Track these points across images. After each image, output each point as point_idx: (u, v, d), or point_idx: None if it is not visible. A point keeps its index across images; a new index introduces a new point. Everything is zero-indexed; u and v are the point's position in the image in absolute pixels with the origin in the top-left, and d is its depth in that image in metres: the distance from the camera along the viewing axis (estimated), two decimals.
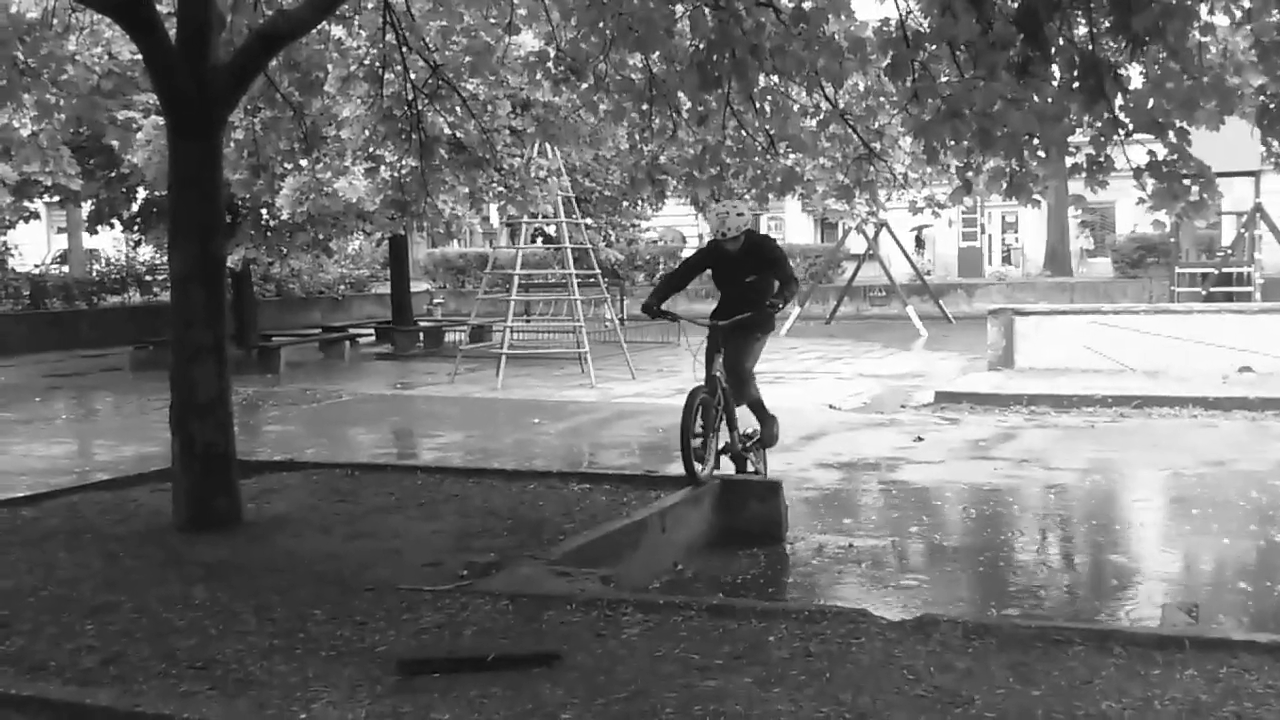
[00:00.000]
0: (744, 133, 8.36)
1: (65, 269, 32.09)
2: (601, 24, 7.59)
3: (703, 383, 7.96)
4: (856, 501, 9.22)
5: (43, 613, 5.19)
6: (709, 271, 8.41)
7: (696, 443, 7.73)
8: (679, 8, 7.61)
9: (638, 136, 9.11)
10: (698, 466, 7.71)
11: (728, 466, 8.22)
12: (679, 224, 41.04)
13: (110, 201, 20.53)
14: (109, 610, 5.21)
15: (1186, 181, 6.00)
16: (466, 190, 14.02)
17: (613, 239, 34.91)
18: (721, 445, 8.12)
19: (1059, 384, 14.56)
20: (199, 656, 4.57)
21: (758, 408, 8.44)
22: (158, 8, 7.02)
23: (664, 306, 8.25)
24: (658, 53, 7.77)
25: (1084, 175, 6.31)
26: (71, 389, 18.83)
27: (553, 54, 8.22)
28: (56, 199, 22.60)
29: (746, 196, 10.23)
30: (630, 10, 7.37)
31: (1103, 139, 6.18)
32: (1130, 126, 6.04)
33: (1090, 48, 6.05)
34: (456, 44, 9.41)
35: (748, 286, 8.09)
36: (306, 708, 4.04)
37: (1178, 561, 7.51)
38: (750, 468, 8.43)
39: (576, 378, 17.77)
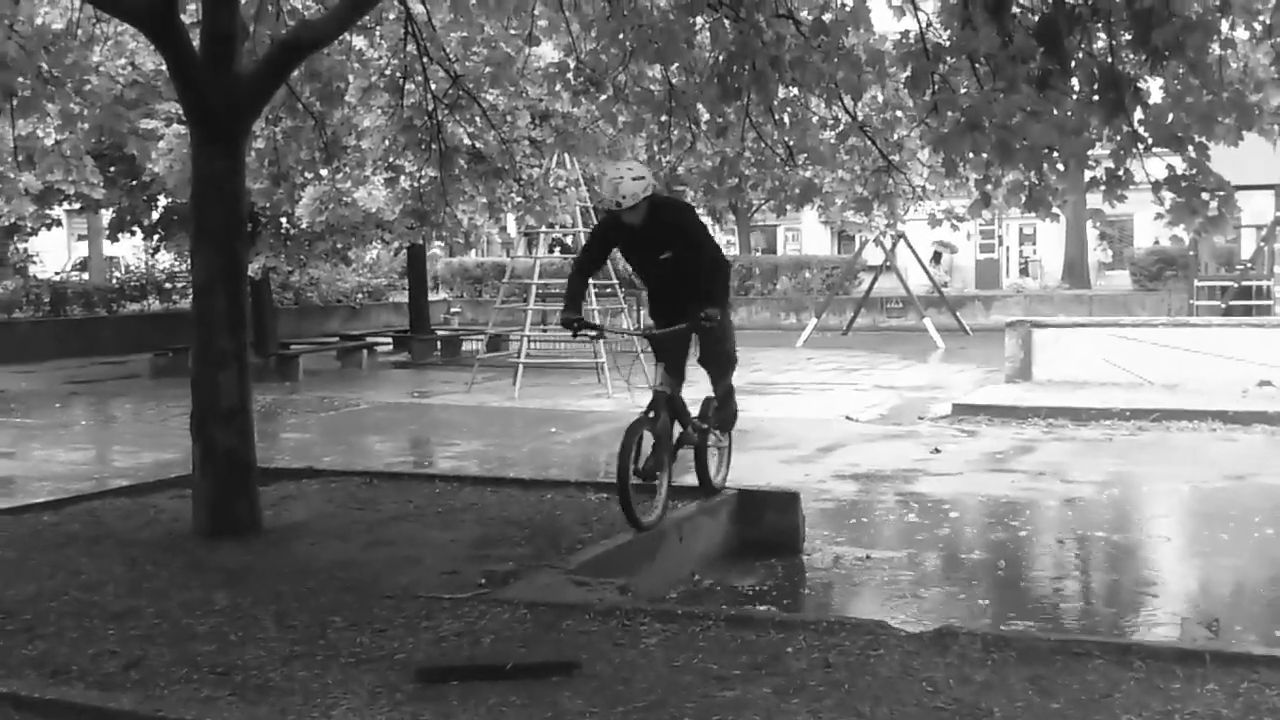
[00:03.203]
0: (763, 144, 8.38)
1: (85, 276, 32.26)
2: (621, 35, 7.64)
3: (647, 406, 6.78)
4: (874, 513, 9.21)
5: (65, 617, 5.23)
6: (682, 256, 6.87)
7: (640, 482, 6.58)
8: (699, 20, 7.65)
9: (656, 148, 9.14)
10: (641, 513, 6.55)
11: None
12: None
13: (131, 209, 20.71)
14: (130, 615, 5.24)
15: (1205, 196, 6.00)
16: (485, 200, 14.10)
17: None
18: (677, 436, 7.11)
19: (1077, 397, 14.52)
20: (220, 662, 4.60)
21: (728, 394, 7.49)
22: (182, 18, 7.08)
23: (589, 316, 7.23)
24: (677, 64, 7.81)
25: (1103, 189, 6.31)
26: (91, 395, 18.93)
27: (572, 65, 8.27)
28: (77, 206, 22.77)
29: (758, 203, 10.02)
30: (650, 22, 7.42)
31: (1122, 153, 6.19)
32: (1150, 141, 6.05)
33: (1110, 61, 6.06)
34: (477, 55, 9.48)
35: (667, 266, 6.85)
36: (327, 714, 4.06)
37: (1197, 575, 7.49)
38: (718, 474, 7.60)
39: (593, 387, 17.79)
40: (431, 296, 29.17)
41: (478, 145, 9.99)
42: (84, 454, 13.08)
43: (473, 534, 6.86)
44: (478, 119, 9.75)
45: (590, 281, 9.46)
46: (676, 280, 6.85)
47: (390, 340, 26.92)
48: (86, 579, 5.89)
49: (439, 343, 25.63)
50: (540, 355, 20.38)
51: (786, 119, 8.18)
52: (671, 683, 4.28)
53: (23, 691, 4.31)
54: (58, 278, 29.36)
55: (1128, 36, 6.07)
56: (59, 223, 25.90)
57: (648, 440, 6.66)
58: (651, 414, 6.70)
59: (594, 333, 7.28)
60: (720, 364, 7.30)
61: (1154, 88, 6.24)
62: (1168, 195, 6.07)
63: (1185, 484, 10.14)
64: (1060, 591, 7.23)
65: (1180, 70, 5.94)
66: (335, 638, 4.89)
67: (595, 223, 6.83)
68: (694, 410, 7.32)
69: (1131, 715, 3.92)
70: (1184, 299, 27.34)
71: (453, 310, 33.83)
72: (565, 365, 19.75)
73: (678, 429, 7.06)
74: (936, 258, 37.82)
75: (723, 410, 7.51)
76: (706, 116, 8.21)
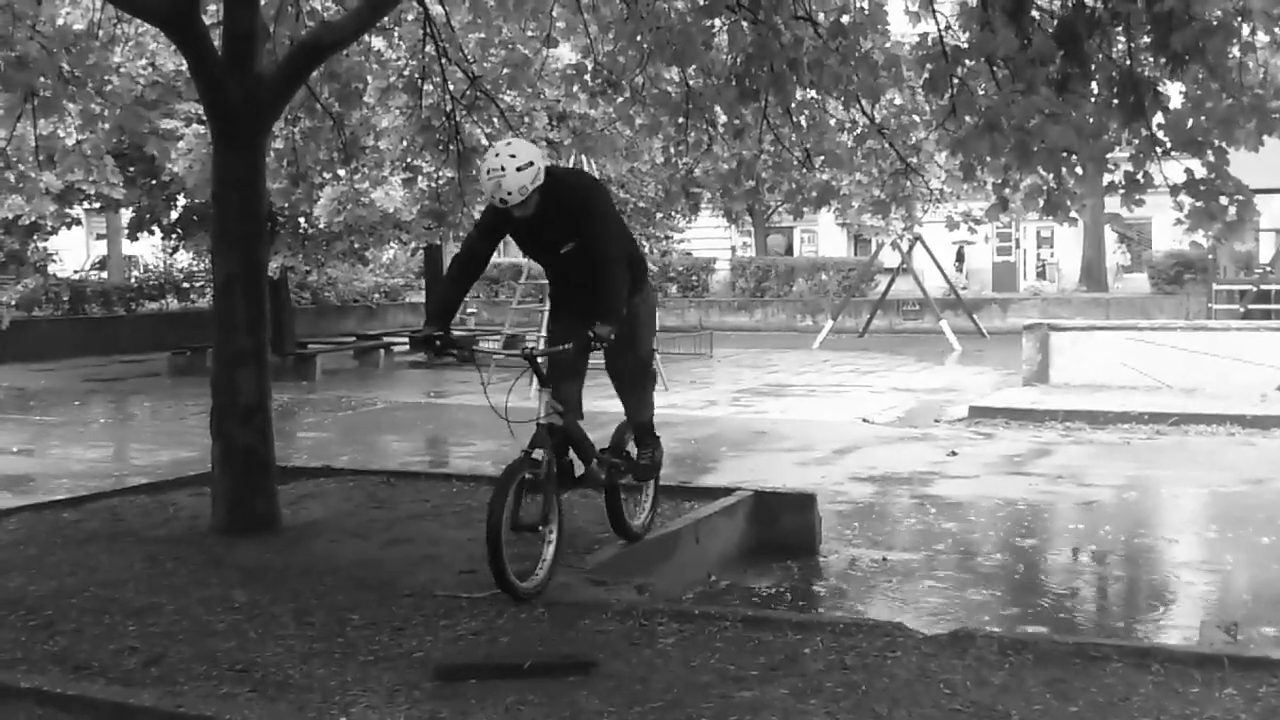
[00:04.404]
0: (781, 147, 8.38)
1: (104, 275, 32.43)
2: (639, 37, 7.65)
3: (529, 443, 5.50)
4: (890, 515, 9.20)
5: (85, 613, 5.27)
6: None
7: (518, 539, 5.37)
8: (717, 21, 7.65)
9: (673, 150, 9.13)
10: (518, 580, 5.28)
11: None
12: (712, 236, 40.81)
13: (150, 209, 20.81)
14: (150, 612, 5.28)
15: (1224, 201, 5.97)
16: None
17: (647, 250, 35.03)
18: (579, 474, 5.96)
19: (1095, 400, 14.48)
20: (239, 659, 4.63)
21: (646, 429, 6.29)
22: (203, 18, 7.12)
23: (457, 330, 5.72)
24: (694, 66, 7.81)
25: (1121, 193, 6.29)
26: (110, 394, 19.03)
27: (590, 67, 8.29)
28: (97, 206, 22.89)
29: (775, 205, 9.77)
30: (668, 24, 7.43)
31: (1141, 156, 6.16)
32: (1169, 145, 6.03)
33: (1129, 65, 6.04)
34: (495, 56, 9.49)
35: (569, 261, 5.66)
36: (345, 711, 4.08)
37: (1216, 579, 7.46)
38: (637, 517, 6.45)
39: (607, 388, 17.68)
40: None
41: None
42: (103, 452, 13.15)
43: None
44: (495, 120, 9.76)
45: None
46: (583, 278, 5.62)
47: (407, 340, 26.97)
48: (106, 576, 5.92)
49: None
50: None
51: (804, 121, 8.18)
52: (689, 683, 4.29)
53: (45, 687, 4.35)
54: (77, 276, 29.51)
55: (1147, 40, 6.05)
56: (79, 222, 25.97)
57: (529, 491, 5.49)
58: (535, 454, 5.46)
59: (459, 353, 5.96)
60: (630, 377, 6.04)
61: (1174, 92, 6.22)
62: (1186, 200, 6.05)
63: (1203, 488, 10.10)
64: (1078, 595, 7.21)
65: (1200, 74, 5.91)
66: (354, 635, 4.91)
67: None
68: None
69: (1149, 719, 3.91)
70: (1203, 302, 27.24)
71: (469, 310, 33.85)
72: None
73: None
74: (960, 256, 37.78)
75: (642, 452, 6.24)
76: (724, 119, 8.21)
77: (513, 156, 5.32)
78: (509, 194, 5.29)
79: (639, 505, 6.54)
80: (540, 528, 5.49)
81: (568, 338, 5.61)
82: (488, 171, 5.35)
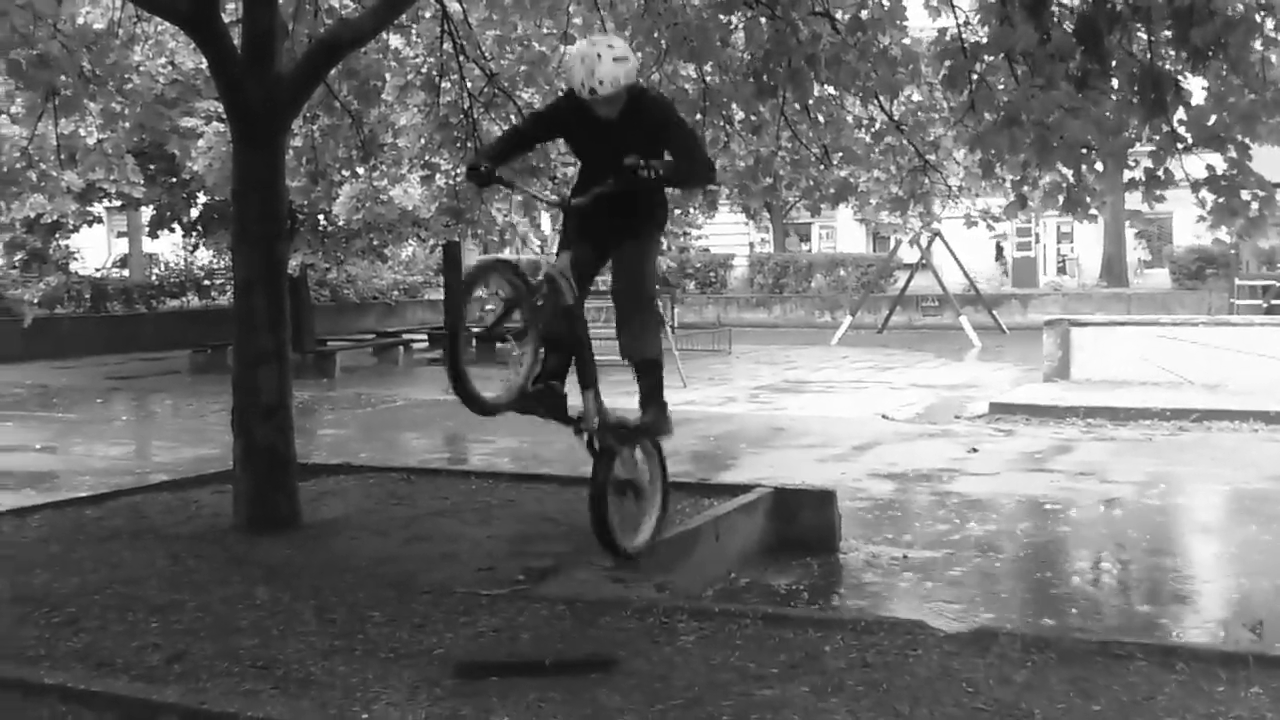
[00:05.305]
0: (798, 143, 8.36)
1: (125, 273, 32.59)
2: (656, 34, 7.65)
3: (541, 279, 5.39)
4: (910, 512, 9.17)
5: (109, 610, 5.29)
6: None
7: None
8: (734, 17, 7.64)
9: None
10: (482, 389, 5.43)
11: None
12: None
13: (171, 207, 20.93)
14: (173, 609, 5.30)
15: (1245, 197, 5.93)
16: (520, 198, 14.14)
17: (664, 246, 34.99)
18: (578, 416, 5.79)
19: (1116, 396, 14.41)
20: (261, 656, 4.64)
21: (652, 369, 5.81)
22: (222, 16, 7.15)
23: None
24: (712, 63, 7.80)
25: (1142, 189, 6.25)
26: (131, 391, 19.13)
27: None
28: (118, 204, 23.05)
29: (793, 202, 9.74)
30: (685, 20, 7.42)
31: (1162, 152, 6.13)
32: (1189, 140, 5.99)
33: (1150, 59, 6.01)
34: (512, 53, 9.51)
35: (625, 176, 5.15)
36: (367, 708, 4.09)
37: (1240, 577, 7.41)
38: (638, 534, 5.86)
39: (627, 384, 17.74)
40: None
41: None
42: (125, 449, 13.22)
43: (510, 530, 6.89)
44: (513, 117, 9.78)
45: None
46: (630, 195, 5.24)
47: (426, 337, 27.04)
48: (129, 573, 5.95)
49: (474, 340, 25.68)
50: None
51: (822, 118, 8.16)
52: (709, 681, 4.29)
53: (69, 683, 4.36)
54: (98, 274, 29.67)
55: (1168, 34, 6.01)
56: (100, 220, 26.17)
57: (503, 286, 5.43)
58: (545, 292, 5.35)
59: (505, 188, 5.89)
60: (634, 300, 5.57)
61: (1195, 87, 6.18)
62: (1207, 196, 6.01)
63: (1227, 485, 10.04)
64: (1100, 592, 7.18)
65: (1222, 69, 5.87)
66: (374, 632, 4.93)
67: None
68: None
69: (1174, 718, 3.89)
70: (1225, 298, 27.09)
71: (488, 308, 33.90)
72: (599, 363, 19.75)
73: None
74: (999, 251, 37.70)
75: (648, 411, 5.81)
76: (741, 115, 8.20)
77: (610, 47, 5.08)
78: (600, 82, 4.98)
79: (645, 516, 5.93)
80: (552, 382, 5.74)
81: (595, 258, 5.48)
82: (580, 56, 5.05)
